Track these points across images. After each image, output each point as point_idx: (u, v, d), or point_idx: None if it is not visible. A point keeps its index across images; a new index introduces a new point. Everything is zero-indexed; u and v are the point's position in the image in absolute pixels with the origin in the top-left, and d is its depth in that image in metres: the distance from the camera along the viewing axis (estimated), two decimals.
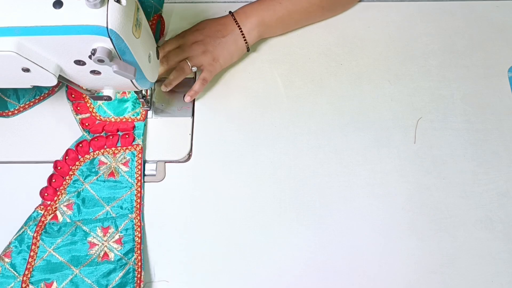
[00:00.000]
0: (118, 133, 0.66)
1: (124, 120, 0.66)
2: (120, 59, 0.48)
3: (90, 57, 0.47)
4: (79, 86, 0.57)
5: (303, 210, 0.64)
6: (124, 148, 0.65)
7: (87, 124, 0.66)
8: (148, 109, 0.68)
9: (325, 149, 0.67)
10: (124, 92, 0.67)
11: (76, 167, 0.64)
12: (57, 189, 0.63)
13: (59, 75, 0.51)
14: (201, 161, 0.67)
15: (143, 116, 0.66)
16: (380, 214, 0.63)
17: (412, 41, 0.74)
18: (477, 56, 0.73)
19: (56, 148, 0.66)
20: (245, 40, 0.68)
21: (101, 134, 0.66)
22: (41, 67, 0.48)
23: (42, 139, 0.67)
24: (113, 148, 0.65)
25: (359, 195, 0.64)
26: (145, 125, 0.66)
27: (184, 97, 0.67)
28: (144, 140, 0.66)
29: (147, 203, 0.64)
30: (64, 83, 0.67)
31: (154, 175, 0.65)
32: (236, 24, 0.68)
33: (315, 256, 0.62)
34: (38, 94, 0.69)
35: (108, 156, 0.65)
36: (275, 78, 0.71)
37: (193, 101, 0.70)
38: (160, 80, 0.70)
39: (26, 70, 0.48)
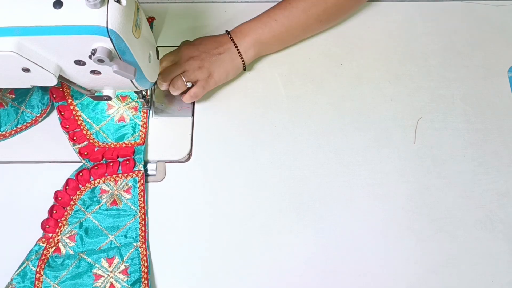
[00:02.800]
0: (119, 159, 0.64)
1: (124, 145, 0.65)
2: (120, 59, 0.48)
3: (90, 57, 0.47)
4: (79, 86, 0.57)
5: (303, 210, 0.64)
6: (126, 174, 0.63)
7: (85, 153, 0.64)
8: (148, 109, 0.68)
9: (325, 149, 0.67)
10: (123, 117, 0.66)
11: (77, 196, 0.63)
12: (59, 220, 0.62)
13: (59, 75, 0.51)
14: (201, 161, 0.67)
15: (142, 139, 0.65)
16: (380, 214, 0.63)
17: (412, 41, 0.74)
18: (477, 56, 0.73)
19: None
20: (242, 59, 0.67)
21: (101, 161, 0.64)
22: (41, 67, 0.48)
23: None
24: (114, 176, 0.63)
25: (359, 195, 0.64)
26: (145, 148, 0.65)
27: (183, 98, 0.66)
28: (145, 165, 0.65)
29: (146, 203, 0.64)
30: (48, 113, 0.67)
31: (154, 175, 0.65)
32: (233, 42, 0.67)
33: (315, 256, 0.62)
34: (21, 123, 0.67)
35: (110, 184, 0.63)
36: (275, 78, 0.71)
37: (193, 101, 0.70)
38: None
39: (26, 70, 0.48)
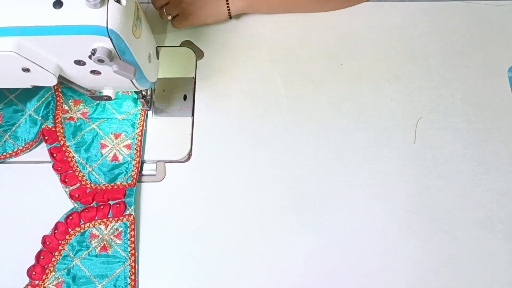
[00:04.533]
0: (109, 202, 0.62)
1: (115, 187, 0.63)
2: (120, 59, 0.48)
3: (90, 57, 0.47)
4: (79, 86, 0.57)
5: (303, 210, 0.64)
6: (116, 218, 0.62)
7: (77, 195, 0.62)
8: (148, 109, 0.68)
9: (325, 149, 0.67)
10: (116, 157, 0.64)
11: (66, 241, 0.61)
12: (46, 266, 0.59)
13: (59, 75, 0.51)
14: (201, 161, 0.67)
15: (134, 180, 0.63)
16: (380, 214, 0.63)
17: (412, 41, 0.74)
18: (477, 56, 0.73)
19: None
20: (228, 6, 0.70)
21: (92, 204, 0.62)
22: (41, 67, 0.48)
23: None
24: (105, 219, 0.61)
25: (359, 195, 0.64)
26: (136, 189, 0.63)
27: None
28: (136, 209, 0.63)
29: (146, 203, 0.64)
30: (31, 149, 0.66)
31: (154, 175, 0.65)
32: None
33: (315, 256, 0.62)
34: (1, 152, 0.65)
35: (100, 228, 0.61)
36: (275, 78, 0.71)
37: (193, 101, 0.70)
38: (161, 80, 0.70)
39: (26, 70, 0.48)
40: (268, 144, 0.67)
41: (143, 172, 0.65)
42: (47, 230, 0.62)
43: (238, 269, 0.61)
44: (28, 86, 0.53)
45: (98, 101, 0.66)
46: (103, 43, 0.46)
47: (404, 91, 0.70)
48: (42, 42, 0.46)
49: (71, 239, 0.61)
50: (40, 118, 0.66)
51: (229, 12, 0.70)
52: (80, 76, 0.53)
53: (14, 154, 0.65)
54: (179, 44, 0.73)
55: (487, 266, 0.61)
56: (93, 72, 0.52)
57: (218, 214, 0.64)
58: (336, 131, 0.68)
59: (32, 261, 0.60)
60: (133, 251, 0.61)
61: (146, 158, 0.66)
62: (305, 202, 0.64)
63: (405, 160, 0.66)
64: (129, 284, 0.59)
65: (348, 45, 0.73)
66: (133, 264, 0.60)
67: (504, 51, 0.73)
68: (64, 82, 0.54)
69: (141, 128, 0.66)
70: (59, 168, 0.64)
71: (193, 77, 0.71)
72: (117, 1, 0.45)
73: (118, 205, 0.62)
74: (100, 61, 0.46)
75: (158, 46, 0.62)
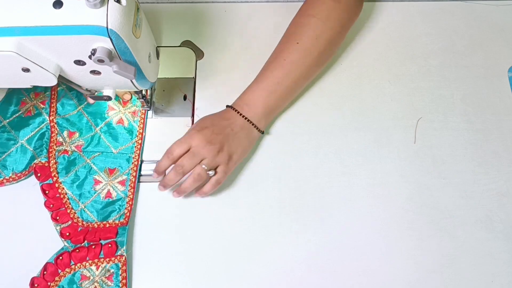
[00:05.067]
0: (101, 242, 0.60)
1: (107, 225, 0.61)
2: (120, 59, 0.48)
3: (90, 57, 0.47)
4: (79, 86, 0.57)
5: (303, 210, 0.64)
6: (108, 259, 0.59)
7: (67, 234, 0.60)
8: (148, 109, 0.68)
9: (325, 149, 0.67)
10: (110, 194, 0.63)
11: (55, 283, 0.58)
12: None
13: (59, 75, 0.51)
14: None
15: (126, 218, 0.62)
16: (380, 214, 0.63)
17: (412, 41, 0.74)
18: (477, 56, 0.73)
19: None
20: (257, 128, 0.64)
21: (83, 244, 0.60)
22: (41, 67, 0.48)
23: None
24: (96, 260, 0.59)
25: (359, 195, 0.64)
26: (128, 231, 0.61)
27: (173, 193, 0.62)
28: (128, 249, 0.61)
29: (146, 204, 0.64)
30: (19, 181, 0.64)
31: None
32: (243, 117, 0.63)
33: (315, 256, 0.61)
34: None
35: (91, 269, 0.59)
36: None
37: (193, 101, 0.70)
38: (161, 80, 0.70)
39: (26, 70, 0.48)
40: (268, 144, 0.67)
41: (143, 172, 0.65)
42: (47, 231, 0.61)
43: (237, 269, 0.61)
44: (28, 86, 0.53)
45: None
46: (103, 43, 0.46)
47: (404, 91, 0.71)
48: (42, 42, 0.46)
49: (60, 280, 0.58)
50: (32, 149, 0.64)
51: (260, 132, 0.64)
52: (80, 76, 0.53)
53: (12, 179, 0.64)
54: (179, 44, 0.73)
55: (487, 266, 0.61)
56: (93, 72, 0.52)
57: (218, 214, 0.63)
58: (336, 131, 0.68)
59: (31, 263, 0.60)
60: None
61: (146, 158, 0.66)
62: (305, 202, 0.64)
63: (405, 160, 0.66)
64: None
65: (348, 45, 0.73)
66: None
67: (504, 51, 0.73)
68: (64, 83, 0.54)
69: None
70: (51, 206, 0.62)
71: (193, 77, 0.71)
72: (117, 1, 0.45)
73: (109, 245, 0.60)
74: (100, 61, 0.46)
75: (158, 46, 0.62)
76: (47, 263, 0.59)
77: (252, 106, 0.63)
